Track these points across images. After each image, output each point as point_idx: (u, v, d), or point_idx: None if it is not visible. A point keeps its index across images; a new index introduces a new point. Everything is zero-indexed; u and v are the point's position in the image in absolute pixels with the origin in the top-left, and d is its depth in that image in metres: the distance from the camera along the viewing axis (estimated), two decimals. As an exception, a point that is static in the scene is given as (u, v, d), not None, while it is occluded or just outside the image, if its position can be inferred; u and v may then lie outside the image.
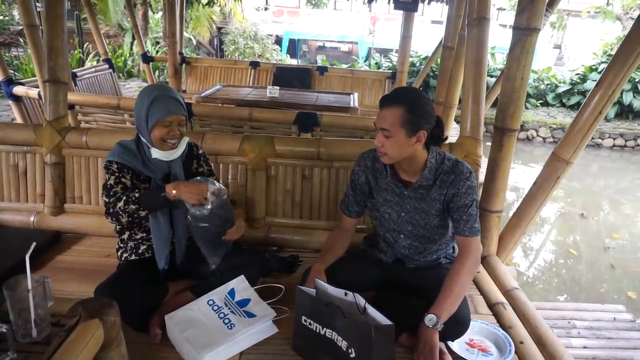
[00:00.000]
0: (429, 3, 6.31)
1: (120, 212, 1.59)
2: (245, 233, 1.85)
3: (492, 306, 1.84)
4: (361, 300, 1.44)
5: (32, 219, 2.29)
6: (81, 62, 8.38)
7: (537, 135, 8.43)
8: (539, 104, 9.38)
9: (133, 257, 1.79)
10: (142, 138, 1.72)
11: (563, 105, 9.46)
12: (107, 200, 1.64)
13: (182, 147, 1.76)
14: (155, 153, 1.71)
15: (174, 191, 1.56)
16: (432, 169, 1.63)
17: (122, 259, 1.82)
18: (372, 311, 1.42)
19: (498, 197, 2.12)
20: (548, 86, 9.67)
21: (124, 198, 1.59)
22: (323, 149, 2.22)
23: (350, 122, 3.44)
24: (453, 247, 1.85)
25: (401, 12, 5.59)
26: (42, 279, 1.08)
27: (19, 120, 3.90)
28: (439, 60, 7.87)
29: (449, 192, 1.61)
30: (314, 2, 16.07)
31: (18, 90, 3.69)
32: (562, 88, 9.45)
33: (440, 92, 3.67)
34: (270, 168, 2.25)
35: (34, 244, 1.13)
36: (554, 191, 2.09)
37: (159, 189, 1.59)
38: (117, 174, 1.67)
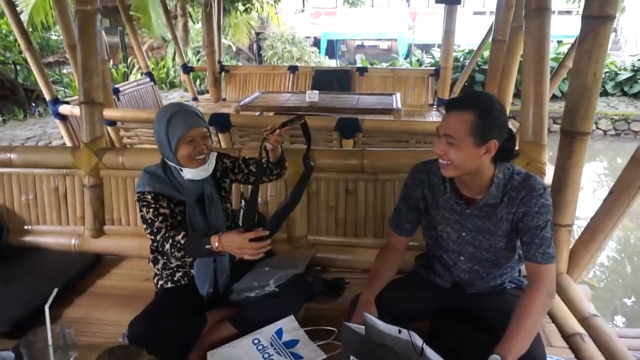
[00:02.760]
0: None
1: (170, 255, 1.51)
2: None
3: (568, 337, 1.61)
4: (418, 340, 1.26)
5: (73, 241, 2.27)
6: (126, 76, 8.64)
7: (597, 127, 7.81)
8: (597, 94, 8.72)
9: (169, 284, 1.71)
10: (169, 162, 1.63)
11: (625, 94, 8.73)
12: (152, 237, 1.55)
13: (212, 162, 1.67)
14: (188, 173, 1.61)
15: (216, 244, 1.44)
16: (500, 185, 1.42)
17: (158, 286, 1.74)
18: (430, 353, 1.23)
19: (568, 209, 1.87)
20: (607, 74, 8.96)
21: (170, 241, 1.49)
22: (367, 160, 2.06)
23: (395, 126, 3.27)
24: (519, 270, 1.64)
25: (442, 5, 5.34)
26: (62, 330, 0.99)
27: (65, 138, 3.99)
28: (484, 54, 7.52)
29: (519, 210, 1.40)
30: (351, 1, 15.88)
31: (63, 109, 3.77)
32: (623, 75, 8.74)
33: (491, 89, 3.39)
34: (310, 183, 2.11)
35: (55, 290, 1.04)
36: (636, 200, 1.82)
37: (202, 241, 1.47)
38: (153, 205, 1.57)
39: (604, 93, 8.83)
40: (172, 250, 1.48)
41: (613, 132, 7.68)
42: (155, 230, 1.54)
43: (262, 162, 1.75)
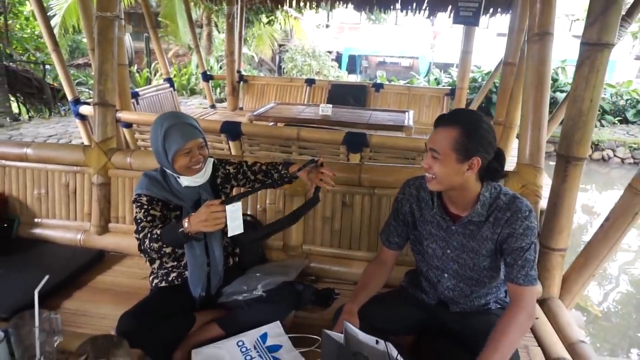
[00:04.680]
0: (493, 15, 6.02)
1: (149, 250, 1.55)
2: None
3: (552, 362, 1.60)
4: (393, 351, 1.28)
5: (79, 237, 2.35)
6: (149, 81, 8.88)
7: (615, 155, 7.68)
8: (616, 121, 8.59)
9: (163, 284, 1.76)
10: (167, 170, 1.69)
11: (645, 122, 8.60)
12: (137, 236, 1.60)
13: (208, 169, 1.73)
14: (185, 181, 1.67)
15: (186, 224, 1.47)
16: (486, 203, 1.44)
17: (153, 285, 1.79)
18: (404, 365, 1.25)
19: (561, 234, 1.87)
20: (628, 102, 8.84)
21: (149, 235, 1.55)
22: (365, 174, 2.09)
23: (402, 143, 3.28)
24: (505, 291, 1.64)
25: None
26: (49, 315, 1.05)
27: (83, 137, 4.13)
28: (502, 75, 7.48)
29: (504, 231, 1.42)
30: (373, 19, 16.02)
31: (84, 109, 3.90)
32: (645, 104, 8.60)
33: (500, 111, 3.41)
34: (309, 194, 2.15)
35: (46, 277, 1.10)
36: (631, 228, 1.82)
37: (176, 225, 1.51)
38: (146, 206, 1.63)
39: (624, 121, 8.70)
40: (151, 244, 1.52)
41: (631, 160, 7.54)
42: (140, 229, 1.60)
43: (274, 175, 1.83)
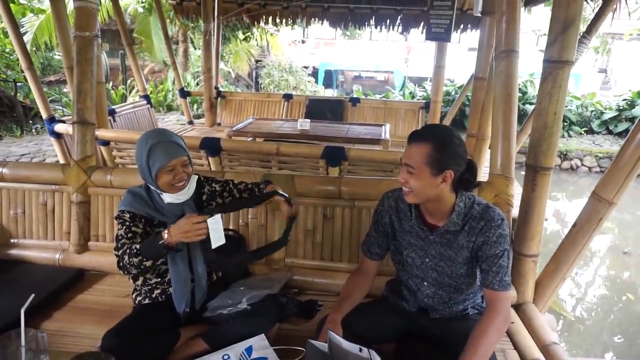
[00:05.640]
0: (464, 31, 6.23)
1: (129, 266, 1.56)
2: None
3: (528, 363, 1.67)
4: (377, 358, 1.33)
5: (57, 256, 2.32)
6: (124, 98, 8.80)
7: (582, 164, 8.01)
8: (583, 132, 8.95)
9: (147, 300, 1.76)
10: (150, 186, 1.71)
11: (610, 132, 9.00)
12: (116, 253, 1.61)
13: (192, 186, 1.76)
14: (168, 197, 1.70)
15: (166, 235, 1.50)
16: (461, 213, 1.51)
17: (136, 302, 1.79)
18: (388, 371, 1.30)
19: (533, 240, 1.96)
20: (593, 113, 9.25)
21: (128, 251, 1.56)
22: (345, 187, 2.15)
23: (379, 156, 3.37)
24: (482, 297, 1.71)
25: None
26: (35, 334, 1.05)
27: (59, 155, 4.07)
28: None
29: (478, 239, 1.49)
30: (348, 34, 16.32)
31: (59, 127, 3.85)
32: (608, 114, 9.01)
33: (472, 124, 3.54)
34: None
35: (32, 296, 1.11)
36: (597, 233, 1.92)
37: (156, 237, 1.54)
38: (128, 223, 1.65)
39: (590, 131, 9.07)
40: (130, 259, 1.54)
41: (598, 169, 7.87)
42: (119, 245, 1.61)
43: (257, 194, 1.89)
